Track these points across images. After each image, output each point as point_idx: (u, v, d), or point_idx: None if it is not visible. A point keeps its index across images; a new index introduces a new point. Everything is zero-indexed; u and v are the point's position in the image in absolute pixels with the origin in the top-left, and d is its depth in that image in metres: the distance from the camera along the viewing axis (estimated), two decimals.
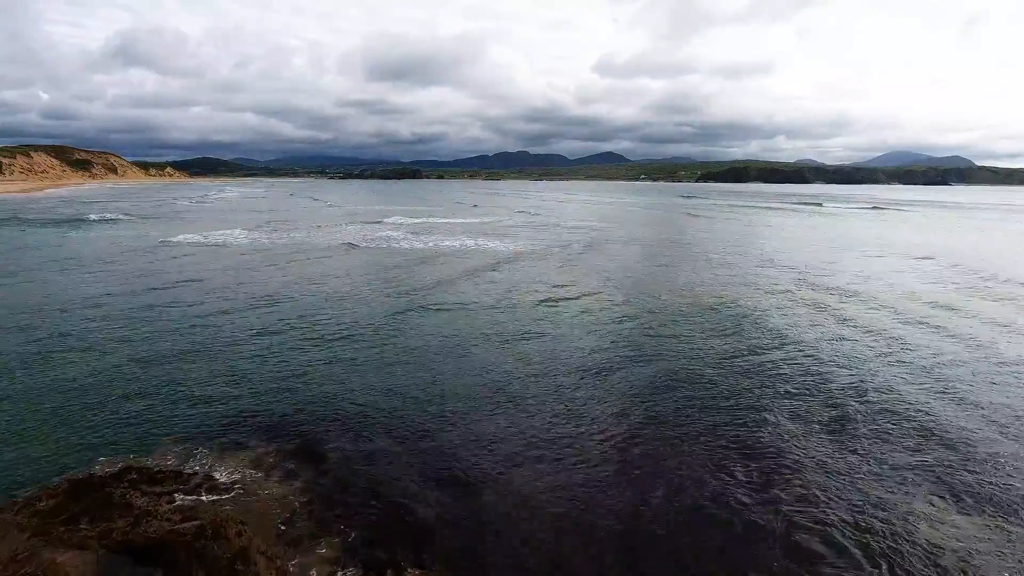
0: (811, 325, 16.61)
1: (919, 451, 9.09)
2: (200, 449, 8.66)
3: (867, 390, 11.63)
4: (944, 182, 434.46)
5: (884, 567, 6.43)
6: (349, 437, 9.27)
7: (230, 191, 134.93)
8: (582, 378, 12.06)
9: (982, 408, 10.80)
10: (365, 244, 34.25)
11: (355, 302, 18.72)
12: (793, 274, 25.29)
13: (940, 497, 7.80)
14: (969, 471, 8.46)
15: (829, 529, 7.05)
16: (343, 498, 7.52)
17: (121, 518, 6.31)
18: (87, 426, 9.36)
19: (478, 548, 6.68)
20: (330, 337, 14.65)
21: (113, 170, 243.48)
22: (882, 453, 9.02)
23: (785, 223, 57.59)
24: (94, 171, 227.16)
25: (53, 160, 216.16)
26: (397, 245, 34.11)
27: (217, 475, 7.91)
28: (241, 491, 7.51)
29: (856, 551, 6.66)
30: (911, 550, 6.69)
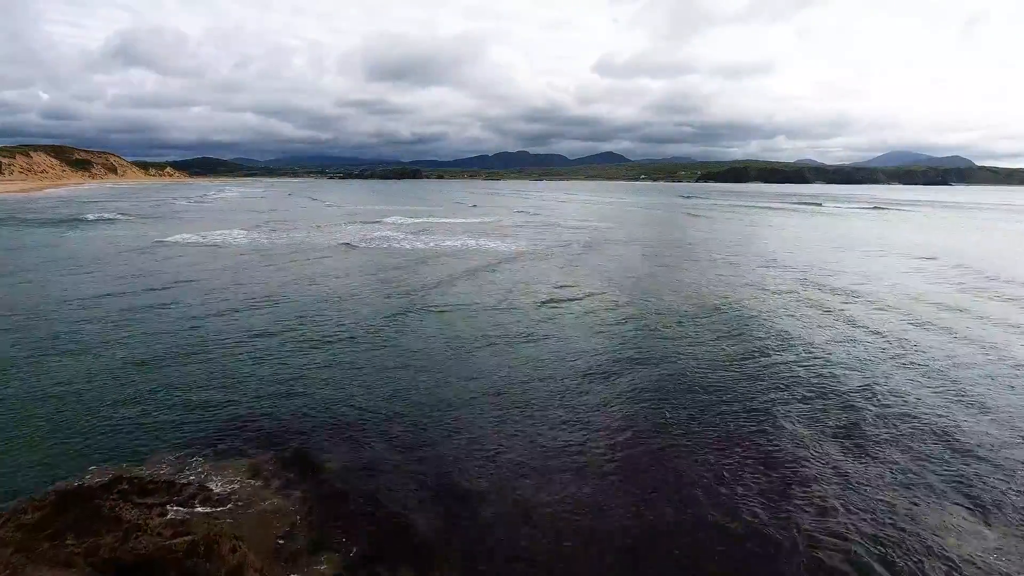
0: (818, 326, 16.32)
1: (939, 458, 8.80)
2: (195, 457, 8.37)
3: (880, 393, 11.33)
4: (944, 182, 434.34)
5: None
6: (349, 444, 8.99)
7: (229, 191, 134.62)
8: (587, 382, 11.77)
9: (999, 412, 10.51)
10: (363, 244, 33.95)
11: (353, 303, 18.43)
12: (797, 274, 25.01)
13: (965, 507, 7.50)
14: (993, 479, 8.17)
15: (850, 544, 6.76)
16: (344, 510, 7.23)
17: (109, 533, 6.01)
18: (78, 433, 9.06)
19: (482, 565, 6.39)
20: (328, 339, 14.36)
21: (113, 170, 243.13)
22: (901, 460, 8.73)
23: (787, 223, 57.31)
24: (94, 171, 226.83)
25: (53, 160, 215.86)
26: (396, 245, 33.82)
27: (212, 485, 7.62)
28: (237, 502, 7.22)
29: (881, 569, 6.36)
30: (940, 565, 6.39)
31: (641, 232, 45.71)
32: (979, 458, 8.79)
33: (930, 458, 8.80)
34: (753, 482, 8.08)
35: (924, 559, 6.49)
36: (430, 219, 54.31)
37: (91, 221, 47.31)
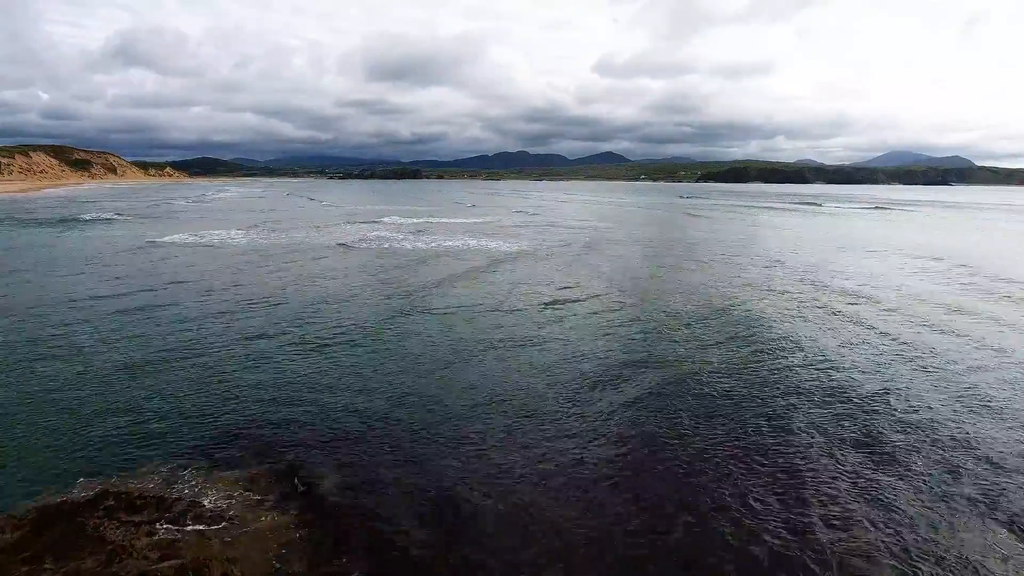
0: (827, 329, 15.98)
1: (964, 468, 8.42)
2: (188, 469, 8.00)
3: (896, 399, 10.97)
4: (944, 182, 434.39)
5: None
6: (349, 454, 8.62)
7: (228, 191, 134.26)
8: (593, 387, 11.40)
9: (1020, 420, 10.16)
10: (361, 245, 33.55)
11: (351, 305, 18.06)
12: (803, 275, 24.66)
13: (1001, 522, 7.13)
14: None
15: (881, 565, 6.40)
16: (343, 528, 6.86)
17: (92, 556, 5.68)
18: (63, 443, 8.67)
19: None
20: (326, 343, 13.99)
21: (112, 170, 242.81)
22: (924, 470, 8.35)
23: (789, 223, 56.98)
24: (93, 171, 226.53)
25: (52, 160, 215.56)
26: (394, 246, 33.43)
27: (205, 500, 7.26)
28: (231, 520, 6.86)
29: None
30: None
31: (642, 232, 45.37)
32: (1007, 469, 8.43)
33: (956, 468, 8.43)
34: (771, 495, 7.72)
35: None
36: (428, 219, 53.94)
37: (87, 221, 46.93)
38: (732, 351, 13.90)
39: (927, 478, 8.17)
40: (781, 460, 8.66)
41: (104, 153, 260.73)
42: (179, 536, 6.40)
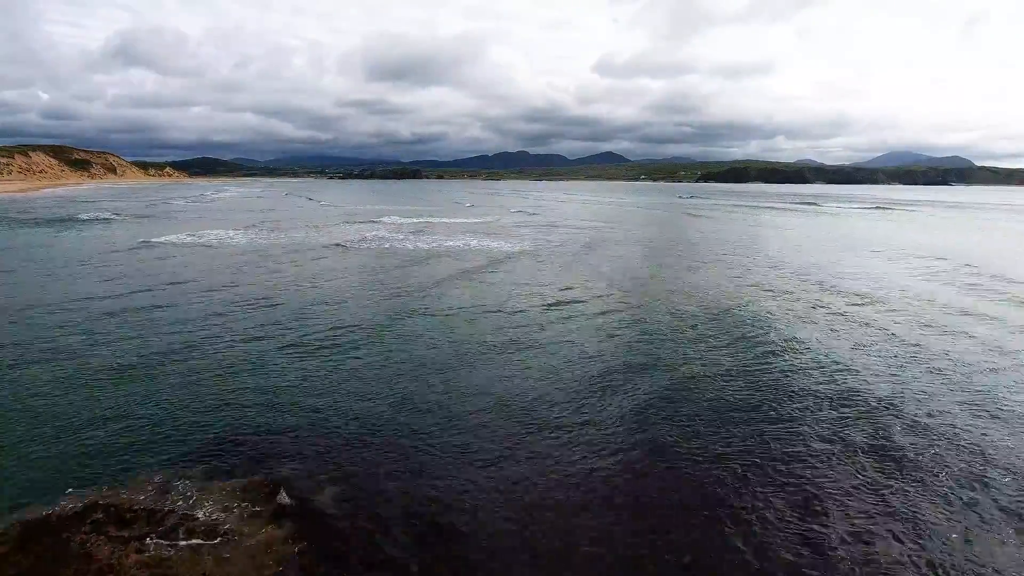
0: (833, 331, 15.69)
1: (982, 477, 8.12)
2: (181, 480, 7.71)
3: (907, 404, 10.68)
4: (944, 182, 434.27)
5: None
6: (350, 464, 8.32)
7: (227, 191, 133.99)
8: (595, 394, 11.09)
9: None
10: (359, 245, 33.26)
11: (348, 307, 17.77)
12: (806, 276, 24.39)
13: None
14: None
15: None
16: (343, 543, 6.58)
17: (77, 575, 5.41)
18: (51, 453, 8.37)
19: None
20: (323, 347, 13.70)
21: (112, 170, 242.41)
22: (941, 480, 8.05)
23: (791, 223, 56.70)
24: (93, 171, 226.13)
25: (52, 160, 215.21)
26: (392, 246, 33.12)
27: (198, 513, 6.99)
28: (225, 534, 6.58)
29: None
30: None
31: (643, 232, 45.09)
32: None
33: (976, 476, 8.14)
34: (786, 506, 7.43)
35: None
36: (426, 219, 53.64)
37: (84, 221, 46.65)
38: (740, 354, 13.63)
39: (948, 487, 7.89)
40: (795, 468, 8.39)
41: (104, 153, 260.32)
42: (171, 553, 6.13)
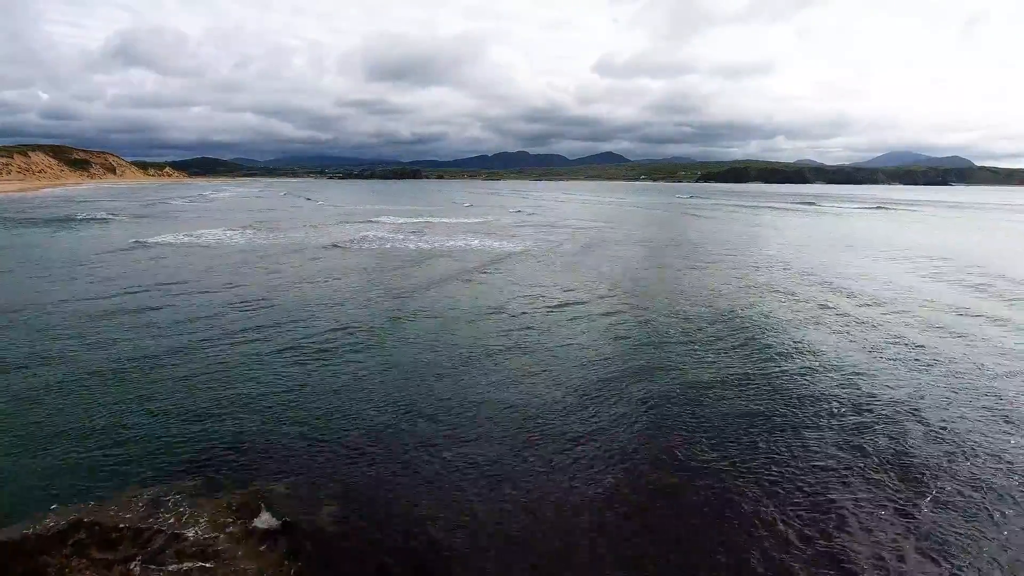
0: (842, 334, 15.32)
1: (1008, 491, 7.81)
2: (171, 495, 7.34)
3: (924, 412, 10.28)
4: (944, 182, 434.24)
5: None
6: (350, 477, 7.95)
7: (226, 191, 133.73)
8: (599, 401, 10.70)
9: None
10: (356, 245, 32.89)
11: (344, 309, 17.42)
12: (811, 277, 24.03)
13: None
14: None
15: None
16: (342, 564, 6.26)
17: None
18: (32, 467, 7.98)
19: None
20: (319, 351, 13.33)
21: (112, 170, 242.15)
22: (968, 495, 7.68)
23: (792, 223, 56.36)
24: (92, 171, 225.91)
25: (51, 160, 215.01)
26: (390, 246, 32.80)
27: (189, 532, 6.64)
28: (216, 556, 6.24)
29: None
30: None
31: (643, 232, 44.74)
32: None
33: (1003, 493, 7.78)
34: (801, 522, 7.09)
35: None
36: (425, 219, 53.32)
37: (80, 221, 46.33)
38: (747, 357, 13.28)
39: (971, 503, 7.54)
40: (811, 478, 8.04)
41: (103, 153, 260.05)
42: None
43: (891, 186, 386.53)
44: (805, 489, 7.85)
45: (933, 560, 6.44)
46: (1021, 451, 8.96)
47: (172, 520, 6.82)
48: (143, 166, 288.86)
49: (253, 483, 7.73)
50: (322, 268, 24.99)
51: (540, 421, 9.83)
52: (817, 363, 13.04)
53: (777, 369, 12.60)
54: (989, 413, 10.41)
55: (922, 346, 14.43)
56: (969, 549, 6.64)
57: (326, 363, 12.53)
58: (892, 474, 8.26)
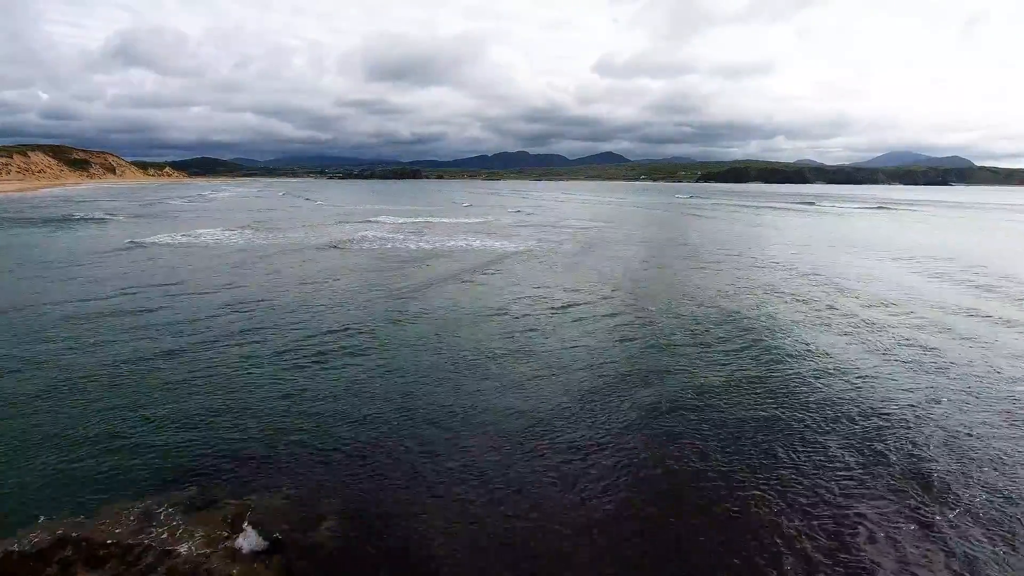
0: (851, 337, 14.98)
1: None
2: (163, 508, 7.02)
3: (939, 418, 9.99)
4: (944, 182, 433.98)
5: None
6: (347, 490, 7.64)
7: (225, 191, 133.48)
8: (602, 407, 10.41)
9: None
10: (352, 246, 32.60)
11: (341, 311, 17.07)
12: (816, 278, 23.72)
13: None
14: None
15: None
16: None
17: None
18: (18, 479, 7.66)
19: None
20: (317, 355, 12.99)
21: (111, 170, 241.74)
22: (985, 506, 7.38)
23: (794, 223, 56.03)
24: (92, 171, 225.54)
25: (51, 160, 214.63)
26: (390, 246, 32.50)
27: (181, 548, 6.33)
28: (209, 574, 5.97)
29: None
30: None
31: (644, 233, 44.43)
32: None
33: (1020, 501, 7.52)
34: (822, 537, 6.77)
35: None
36: (424, 219, 53.03)
37: (76, 221, 46.06)
38: (756, 360, 12.97)
39: (1001, 515, 7.23)
40: (822, 492, 7.75)
41: (103, 153, 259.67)
42: None
43: (891, 186, 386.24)
44: (824, 500, 7.55)
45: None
46: None
47: (164, 535, 6.53)
48: (143, 166, 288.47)
49: (250, 495, 7.43)
50: (320, 269, 24.68)
51: (547, 427, 9.54)
52: (828, 366, 12.75)
53: (788, 372, 12.31)
54: (1010, 418, 10.13)
55: (934, 348, 14.14)
56: (1001, 565, 6.35)
57: (325, 367, 12.23)
58: (915, 483, 7.95)
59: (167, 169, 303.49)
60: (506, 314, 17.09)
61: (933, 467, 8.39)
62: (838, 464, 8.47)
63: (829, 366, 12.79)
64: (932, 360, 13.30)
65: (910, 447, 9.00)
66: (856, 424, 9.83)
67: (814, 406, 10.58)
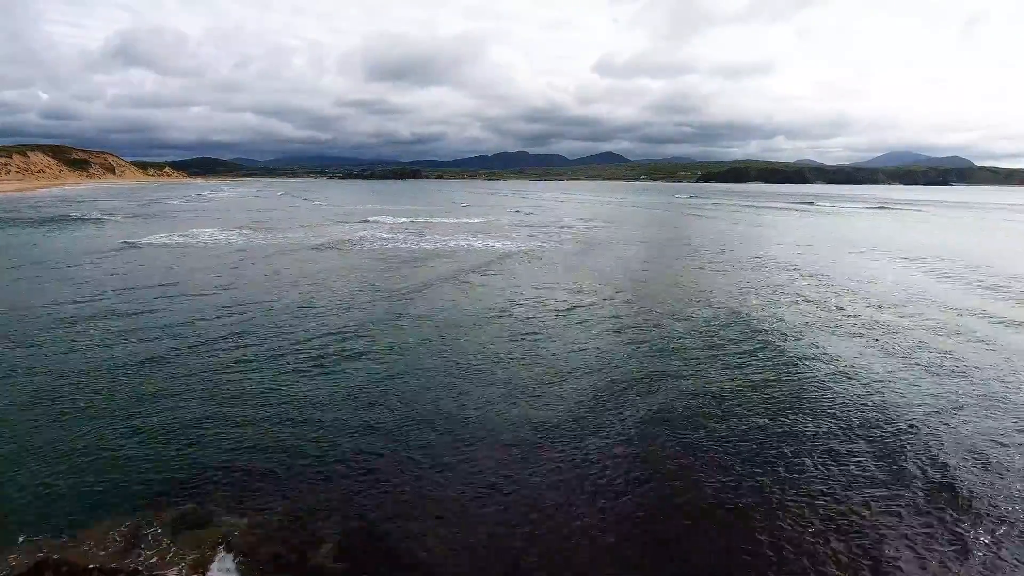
0: (862, 340, 14.58)
1: None
2: (152, 527, 6.62)
3: (957, 426, 9.65)
4: (944, 182, 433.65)
5: None
6: (347, 507, 7.27)
7: (224, 191, 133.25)
8: (605, 413, 10.01)
9: None
10: (352, 246, 32.25)
11: (337, 314, 16.63)
12: (821, 279, 23.34)
13: None
14: None
15: None
16: None
17: None
18: (3, 493, 7.32)
19: None
20: (313, 360, 12.58)
21: (111, 170, 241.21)
22: (1015, 520, 7.06)
23: (796, 223, 55.66)
24: (92, 171, 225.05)
25: (50, 160, 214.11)
26: (388, 247, 32.15)
27: (170, 572, 5.98)
28: None
29: None
30: None
31: (645, 233, 44.04)
32: None
33: None
34: (844, 554, 6.45)
35: None
36: (423, 219, 52.72)
37: (73, 221, 45.73)
38: (766, 364, 12.59)
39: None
40: (840, 508, 7.38)
41: (103, 153, 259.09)
42: None
43: (891, 186, 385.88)
44: (844, 511, 7.20)
45: None
46: None
47: (154, 558, 6.17)
48: (143, 166, 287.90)
49: (245, 513, 7.04)
50: (319, 270, 24.31)
51: (553, 434, 9.17)
52: (840, 370, 12.39)
53: (801, 377, 11.94)
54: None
55: (948, 351, 13.79)
56: None
57: (324, 373, 11.85)
58: (942, 496, 7.59)
59: (167, 169, 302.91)
60: (509, 316, 16.73)
61: (962, 478, 8.02)
62: (859, 474, 8.11)
63: (843, 370, 12.43)
64: (950, 364, 12.93)
65: (935, 456, 8.63)
66: (876, 431, 9.47)
67: (830, 411, 10.22)
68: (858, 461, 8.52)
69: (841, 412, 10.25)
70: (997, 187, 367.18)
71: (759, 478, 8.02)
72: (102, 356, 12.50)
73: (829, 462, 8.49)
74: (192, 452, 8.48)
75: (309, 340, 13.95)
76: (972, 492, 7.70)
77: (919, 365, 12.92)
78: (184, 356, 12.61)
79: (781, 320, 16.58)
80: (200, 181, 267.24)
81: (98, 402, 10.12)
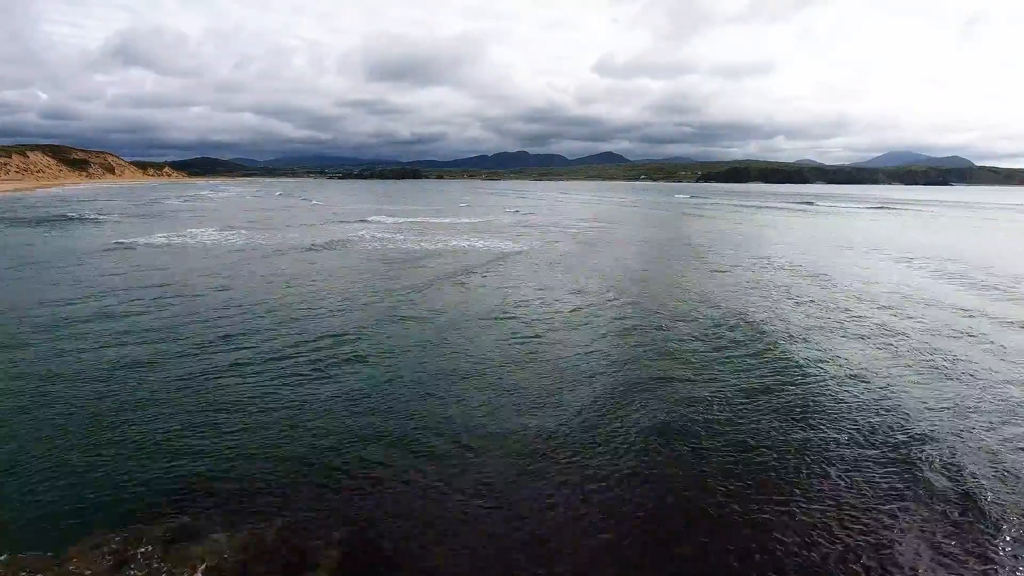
0: (867, 342, 14.34)
1: None
2: (141, 544, 6.32)
3: (981, 434, 9.40)
4: (945, 182, 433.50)
5: None
6: (346, 521, 6.99)
7: (224, 191, 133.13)
8: (607, 421, 9.75)
9: None
10: (352, 246, 32.01)
11: (335, 316, 16.36)
12: (824, 280, 23.04)
13: None
14: None
15: None
16: None
17: None
18: None
19: None
20: (308, 364, 12.28)
21: (111, 170, 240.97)
22: None
23: (797, 224, 55.40)
24: (91, 171, 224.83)
25: (50, 159, 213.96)
26: (387, 247, 31.91)
27: None
28: None
29: None
30: None
31: (645, 233, 43.77)
32: None
33: None
34: (854, 564, 6.21)
35: None
36: (423, 219, 52.52)
37: (69, 220, 45.51)
38: (772, 367, 12.30)
39: None
40: (858, 508, 7.12)
41: (102, 153, 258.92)
42: None
43: (891, 186, 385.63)
44: (856, 519, 6.95)
45: None
46: None
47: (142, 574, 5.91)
48: (142, 166, 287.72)
49: (241, 526, 6.76)
50: (318, 270, 24.05)
51: (557, 441, 8.90)
52: (850, 373, 12.14)
53: (807, 380, 11.68)
54: None
55: (958, 355, 13.52)
56: None
57: (323, 378, 11.57)
58: (954, 504, 7.33)
59: (166, 169, 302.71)
60: (510, 317, 16.46)
61: (982, 485, 7.74)
62: (872, 479, 7.86)
63: (853, 372, 12.18)
64: (961, 368, 12.67)
65: (948, 462, 8.38)
66: (889, 436, 9.21)
67: (837, 415, 9.97)
68: (870, 466, 8.27)
69: (853, 415, 10.00)
70: (997, 187, 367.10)
71: (771, 484, 7.76)
72: (91, 361, 12.16)
73: (841, 466, 8.25)
74: (184, 463, 8.19)
75: (306, 343, 13.67)
76: (995, 501, 7.43)
77: (929, 368, 12.67)
78: (177, 361, 12.32)
79: (786, 321, 16.33)
80: (200, 181, 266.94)
81: (84, 410, 9.79)
